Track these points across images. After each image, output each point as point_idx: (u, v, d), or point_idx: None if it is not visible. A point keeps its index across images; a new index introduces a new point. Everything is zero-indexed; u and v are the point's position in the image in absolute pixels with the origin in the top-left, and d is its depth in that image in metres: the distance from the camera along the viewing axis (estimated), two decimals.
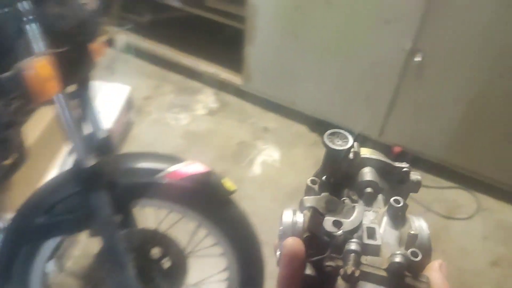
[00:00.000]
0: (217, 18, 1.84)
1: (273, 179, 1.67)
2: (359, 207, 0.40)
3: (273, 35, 1.70)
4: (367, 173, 0.44)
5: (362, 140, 0.51)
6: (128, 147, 1.70)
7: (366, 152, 0.45)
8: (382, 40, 1.48)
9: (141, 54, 2.09)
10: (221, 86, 2.00)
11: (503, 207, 1.63)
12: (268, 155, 1.76)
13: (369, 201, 0.42)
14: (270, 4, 1.62)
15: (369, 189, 0.43)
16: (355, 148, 0.43)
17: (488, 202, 1.64)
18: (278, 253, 0.38)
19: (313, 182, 0.44)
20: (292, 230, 0.39)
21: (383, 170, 0.45)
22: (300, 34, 1.63)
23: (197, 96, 2.00)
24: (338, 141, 0.42)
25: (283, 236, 0.39)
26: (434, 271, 0.37)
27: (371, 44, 1.51)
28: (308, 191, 0.44)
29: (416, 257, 0.35)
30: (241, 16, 1.71)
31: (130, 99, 1.74)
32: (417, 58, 1.43)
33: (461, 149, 1.59)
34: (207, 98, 1.99)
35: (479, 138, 1.54)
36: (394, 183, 0.45)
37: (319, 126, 1.85)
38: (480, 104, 1.45)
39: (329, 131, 0.42)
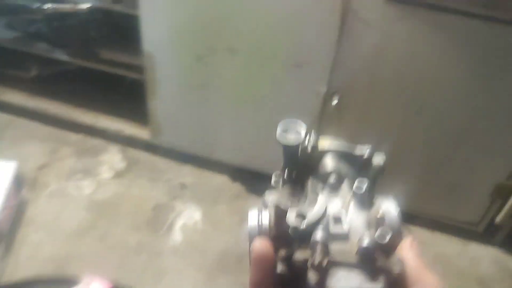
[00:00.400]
0: (113, 70, 1.65)
1: (197, 245, 1.50)
2: (322, 196, 0.39)
3: (178, 86, 1.55)
4: (328, 164, 0.43)
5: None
6: (25, 232, 1.45)
7: (324, 143, 0.45)
8: (295, 84, 1.38)
9: (30, 114, 1.83)
10: (127, 142, 1.79)
11: (439, 239, 1.59)
12: (188, 216, 1.59)
13: (335, 188, 0.42)
14: (168, 55, 1.46)
15: (332, 178, 0.42)
16: (312, 141, 0.43)
17: (424, 235, 1.59)
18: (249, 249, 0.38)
19: (276, 176, 0.43)
20: (259, 231, 0.38)
21: (345, 157, 0.45)
22: (208, 84, 1.49)
23: (101, 157, 1.78)
24: (291, 134, 0.41)
25: (251, 238, 0.38)
26: (406, 250, 0.36)
27: (284, 90, 1.41)
28: (273, 185, 0.43)
29: (384, 239, 0.35)
30: (141, 67, 1.54)
31: (19, 175, 1.49)
32: (334, 101, 1.35)
33: (389, 186, 1.53)
34: (113, 158, 1.77)
35: (404, 173, 1.49)
36: (359, 167, 0.45)
37: (241, 174, 1.71)
38: (400, 140, 1.40)
39: (282, 123, 0.41)
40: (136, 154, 1.79)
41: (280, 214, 0.38)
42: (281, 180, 0.44)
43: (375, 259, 0.35)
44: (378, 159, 0.44)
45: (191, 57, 1.43)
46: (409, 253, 0.37)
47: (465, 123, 1.33)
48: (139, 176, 1.71)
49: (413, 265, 0.36)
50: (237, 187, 1.70)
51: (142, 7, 1.37)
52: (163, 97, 1.58)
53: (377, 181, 0.45)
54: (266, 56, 1.36)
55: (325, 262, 0.33)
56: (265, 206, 0.40)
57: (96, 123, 1.80)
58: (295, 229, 0.36)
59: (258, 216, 0.39)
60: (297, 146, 0.42)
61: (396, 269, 0.34)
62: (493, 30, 1.14)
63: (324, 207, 0.38)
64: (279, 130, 0.42)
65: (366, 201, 0.40)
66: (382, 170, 0.44)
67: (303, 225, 0.36)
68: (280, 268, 0.36)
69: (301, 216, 0.37)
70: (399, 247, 0.37)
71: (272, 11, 1.27)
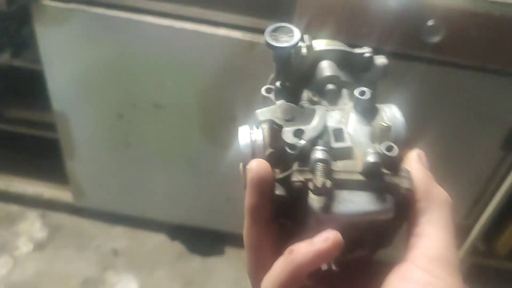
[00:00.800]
0: (22, 129, 1.44)
1: None
2: (320, 109, 0.37)
3: (98, 145, 1.36)
4: (326, 68, 0.40)
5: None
6: None
7: (320, 44, 0.41)
8: (232, 137, 1.24)
9: None
10: (47, 206, 1.58)
11: None
12: None
13: (333, 99, 0.39)
14: (83, 113, 1.28)
15: (330, 86, 0.39)
16: (307, 42, 0.40)
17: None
18: (241, 170, 0.36)
19: (267, 90, 0.41)
20: (252, 150, 0.36)
21: (343, 60, 0.41)
22: (132, 142, 1.32)
23: (18, 226, 1.55)
24: (283, 37, 0.38)
25: (244, 157, 0.36)
26: (413, 162, 0.35)
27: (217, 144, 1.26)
28: (264, 101, 0.40)
29: (391, 151, 0.32)
30: (54, 125, 1.35)
31: None
32: None
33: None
34: (32, 226, 1.55)
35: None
36: (358, 72, 0.41)
37: (180, 232, 1.55)
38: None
39: (270, 27, 0.38)
40: (59, 219, 1.58)
41: (275, 130, 0.35)
42: (272, 92, 0.40)
43: (382, 174, 0.32)
44: (381, 59, 0.41)
45: (110, 115, 1.26)
46: (416, 165, 0.34)
47: None
48: (64, 245, 1.51)
49: (421, 178, 0.33)
50: (177, 247, 1.53)
51: (45, 61, 1.18)
52: (83, 156, 1.39)
53: (378, 86, 0.41)
54: (193, 111, 1.21)
55: (328, 184, 0.30)
56: (257, 123, 0.37)
57: (9, 188, 1.57)
58: (293, 146, 0.33)
59: (250, 133, 0.36)
60: (288, 48, 0.37)
61: (404, 185, 0.32)
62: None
63: (324, 120, 0.35)
64: (267, 32, 0.38)
65: (368, 110, 0.37)
66: (385, 71, 0.41)
67: (302, 141, 0.33)
68: (278, 190, 0.33)
69: (299, 131, 0.34)
70: (405, 159, 0.35)
71: (200, 65, 1.12)
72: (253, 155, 0.35)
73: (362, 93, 0.36)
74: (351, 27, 0.99)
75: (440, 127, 1.09)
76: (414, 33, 0.97)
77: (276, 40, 0.38)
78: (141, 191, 1.45)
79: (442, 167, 1.26)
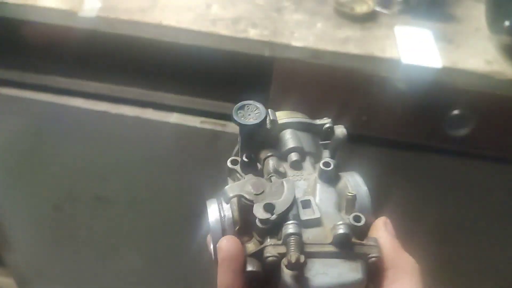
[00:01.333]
0: None
1: None
2: (288, 182, 0.37)
3: (38, 237, 1.17)
4: (289, 139, 0.42)
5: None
6: None
7: (283, 116, 0.43)
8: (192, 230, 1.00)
9: None
10: None
11: None
12: None
13: (297, 168, 0.40)
14: (15, 204, 1.09)
15: (294, 156, 0.41)
16: (271, 116, 0.41)
17: None
18: (211, 248, 0.37)
19: (233, 162, 0.42)
20: (222, 226, 0.37)
21: (305, 130, 0.43)
22: (78, 235, 1.12)
23: None
24: (249, 115, 0.39)
25: (214, 234, 0.36)
26: (380, 230, 0.36)
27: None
28: (231, 173, 0.42)
29: (360, 222, 0.34)
30: None
31: None
32: None
33: None
34: None
35: None
36: (319, 141, 0.44)
37: None
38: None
39: (237, 105, 0.40)
40: None
41: (245, 205, 0.36)
42: (238, 164, 0.42)
43: (352, 244, 0.33)
44: (341, 129, 0.43)
45: (45, 207, 1.05)
46: (383, 233, 0.35)
47: None
48: None
49: (389, 246, 0.34)
50: None
51: None
52: (22, 248, 1.18)
53: (337, 154, 0.44)
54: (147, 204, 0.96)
55: (301, 259, 0.31)
56: (227, 198, 0.37)
57: None
58: (265, 221, 0.34)
59: (219, 209, 0.37)
60: (257, 125, 0.39)
61: (373, 253, 0.33)
62: None
63: (293, 193, 0.36)
64: (235, 110, 0.39)
65: (332, 179, 0.39)
66: (344, 140, 0.43)
67: (273, 216, 0.34)
68: (250, 266, 0.34)
69: (270, 206, 0.35)
70: (372, 227, 0.36)
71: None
72: (223, 231, 0.36)
73: (327, 164, 0.38)
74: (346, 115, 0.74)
75: (455, 220, 0.89)
76: (434, 125, 0.72)
77: (243, 117, 0.39)
78: (93, 281, 1.23)
79: (463, 260, 0.99)
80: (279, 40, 0.72)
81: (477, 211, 0.87)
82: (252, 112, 0.40)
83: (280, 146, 0.42)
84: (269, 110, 0.41)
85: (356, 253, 0.33)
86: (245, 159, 0.41)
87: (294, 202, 0.35)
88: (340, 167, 0.40)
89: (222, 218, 0.37)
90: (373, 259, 0.33)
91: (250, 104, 0.40)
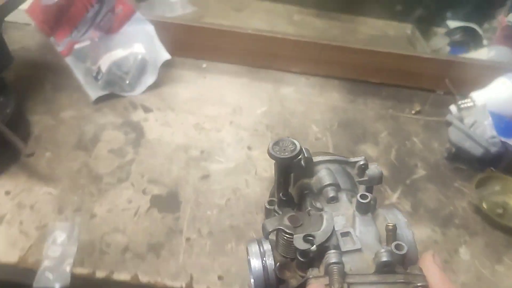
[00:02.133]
0: None
1: None
2: (326, 213, 0.38)
3: None
4: (325, 176, 0.43)
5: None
6: None
7: (318, 156, 0.45)
8: None
9: None
10: None
11: None
12: None
13: (335, 205, 0.41)
14: None
15: (331, 192, 0.42)
16: (305, 153, 0.42)
17: None
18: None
19: (270, 203, 0.44)
20: (262, 262, 0.37)
21: (340, 169, 0.45)
22: None
23: None
24: (284, 150, 0.41)
25: (254, 272, 0.37)
26: (428, 261, 0.36)
27: None
28: (268, 214, 0.44)
29: (402, 250, 0.34)
30: None
31: None
32: None
33: None
34: None
35: None
36: (354, 179, 0.45)
37: None
38: None
39: (272, 142, 0.41)
40: None
41: (285, 239, 0.37)
42: (275, 204, 0.43)
43: (395, 272, 0.34)
44: (374, 167, 0.44)
45: None
46: (432, 264, 0.36)
47: None
48: None
49: (438, 278, 0.34)
50: None
51: None
52: None
53: (372, 190, 0.45)
54: None
55: (345, 287, 0.32)
56: (265, 233, 0.38)
57: None
58: (306, 252, 0.35)
59: (259, 248, 0.38)
60: (290, 158, 0.40)
61: (419, 282, 0.33)
62: None
63: (332, 224, 0.37)
64: (270, 146, 0.41)
65: (370, 213, 0.39)
66: (379, 178, 0.44)
67: (314, 247, 0.35)
68: None
69: (309, 237, 0.36)
70: (421, 260, 0.36)
71: None
72: (264, 269, 0.37)
73: (364, 197, 0.39)
74: None
75: None
76: None
77: (279, 151, 0.40)
78: None
79: None
80: None
81: None
82: (287, 147, 0.41)
83: (316, 184, 0.43)
84: (303, 148, 0.42)
85: (401, 282, 0.32)
86: (283, 197, 0.43)
87: (333, 233, 0.36)
88: (377, 203, 0.41)
89: (262, 254, 0.37)
90: (419, 287, 0.32)
91: (285, 140, 0.41)
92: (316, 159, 0.45)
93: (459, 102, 1.00)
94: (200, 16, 1.30)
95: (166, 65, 1.01)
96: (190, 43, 1.08)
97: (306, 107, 1.02)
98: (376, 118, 1.02)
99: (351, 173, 0.46)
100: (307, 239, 0.35)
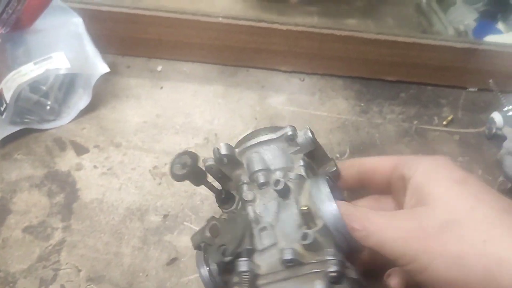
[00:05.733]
0: None
1: None
2: (239, 216, 0.40)
3: None
4: (252, 163, 0.44)
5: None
6: None
7: (245, 140, 0.47)
8: None
9: None
10: None
11: None
12: None
13: (266, 189, 0.42)
14: None
15: (261, 179, 0.43)
16: (225, 151, 0.44)
17: None
18: None
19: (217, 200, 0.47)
20: (207, 269, 0.38)
21: (270, 148, 0.45)
22: None
23: None
24: (184, 164, 0.43)
25: (202, 280, 0.38)
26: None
27: None
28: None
29: (306, 239, 0.36)
30: None
31: None
32: None
33: None
34: None
35: None
36: (287, 154, 0.45)
37: None
38: None
39: (172, 161, 0.43)
40: None
41: (208, 251, 0.39)
42: (217, 201, 0.46)
43: (304, 264, 0.35)
44: (303, 133, 0.45)
45: None
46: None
47: None
48: None
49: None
50: None
51: None
52: None
53: (313, 155, 0.46)
54: None
55: None
56: (194, 247, 0.42)
57: None
58: (223, 263, 0.37)
59: (205, 260, 0.38)
60: (188, 173, 0.42)
61: (331, 268, 0.34)
62: None
63: (241, 228, 0.38)
64: (171, 166, 0.42)
65: (290, 193, 0.41)
66: (311, 143, 0.44)
67: (227, 258, 0.37)
68: None
69: (223, 249, 0.37)
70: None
71: None
72: (211, 277, 0.38)
73: (276, 183, 0.40)
74: None
75: None
76: None
77: (178, 169, 0.43)
78: None
79: None
80: None
81: None
82: (186, 162, 0.42)
83: (246, 172, 0.44)
84: (222, 144, 0.44)
85: (312, 272, 0.35)
86: (222, 196, 0.45)
87: (246, 235, 0.38)
88: (314, 167, 0.46)
89: (207, 262, 0.38)
90: (332, 274, 0.34)
91: (182, 155, 0.43)
92: (240, 147, 0.46)
93: (505, 108, 0.75)
94: None
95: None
96: (139, 37, 0.77)
97: (305, 123, 0.74)
98: (398, 135, 0.76)
99: (284, 148, 0.45)
100: (222, 250, 0.37)
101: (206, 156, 0.65)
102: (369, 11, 1.05)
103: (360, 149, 0.72)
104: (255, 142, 0.45)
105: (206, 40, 0.77)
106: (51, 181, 0.62)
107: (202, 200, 0.62)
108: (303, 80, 0.82)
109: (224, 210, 0.45)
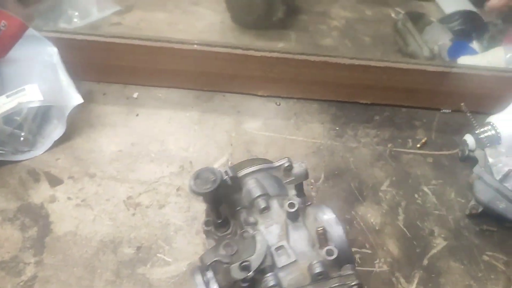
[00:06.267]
0: None
1: None
2: (258, 234, 0.41)
3: None
4: (253, 188, 0.46)
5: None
6: None
7: (243, 166, 0.48)
8: None
9: None
10: None
11: None
12: None
13: (267, 214, 0.44)
14: None
15: (262, 204, 0.44)
16: (230, 173, 0.45)
17: None
18: None
19: (207, 224, 0.47)
20: None
21: (267, 175, 0.48)
22: None
23: None
24: (206, 182, 0.42)
25: None
26: None
27: None
28: (207, 234, 0.47)
29: (332, 255, 0.38)
30: None
31: None
32: None
33: None
34: None
35: None
36: (282, 181, 0.49)
37: None
38: None
39: (192, 175, 0.43)
40: None
41: (223, 269, 0.39)
42: (211, 225, 0.46)
43: (329, 277, 0.38)
44: (298, 165, 0.48)
45: None
46: None
47: None
48: None
49: None
50: None
51: None
52: None
53: (302, 187, 0.50)
54: None
55: None
56: (204, 266, 0.41)
57: None
58: (244, 280, 0.38)
59: (203, 278, 0.40)
60: (215, 190, 0.42)
61: (352, 281, 0.37)
62: None
63: (265, 245, 0.40)
64: (191, 181, 0.42)
65: (301, 216, 0.43)
66: (305, 175, 0.48)
67: (251, 273, 0.38)
68: None
69: (245, 264, 0.38)
70: None
71: None
72: None
73: (292, 205, 0.42)
74: None
75: None
76: None
77: (201, 185, 0.42)
78: None
79: None
80: None
81: None
82: (208, 179, 0.42)
83: (246, 197, 0.46)
84: (227, 167, 0.46)
85: (336, 286, 0.37)
86: (217, 220, 0.45)
87: (267, 253, 0.39)
88: (308, 201, 0.48)
89: (206, 284, 0.39)
90: (354, 287, 0.37)
91: (204, 171, 0.43)
92: (241, 172, 0.47)
93: (477, 131, 0.76)
94: (127, 16, 0.98)
95: (82, 97, 0.70)
96: (115, 65, 0.77)
97: (280, 149, 0.75)
98: (372, 159, 0.77)
99: (278, 176, 0.49)
100: (243, 266, 0.38)
101: (180, 185, 0.65)
102: (347, 31, 1.06)
103: (335, 174, 0.73)
104: (254, 169, 0.48)
105: (182, 66, 0.77)
106: (24, 214, 0.62)
107: (176, 231, 0.63)
108: (279, 105, 0.82)
109: (218, 234, 0.46)
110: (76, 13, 0.81)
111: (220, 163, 0.72)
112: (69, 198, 0.64)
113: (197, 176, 0.43)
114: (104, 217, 0.63)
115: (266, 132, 0.78)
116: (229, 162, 0.72)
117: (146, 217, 0.64)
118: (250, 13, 0.97)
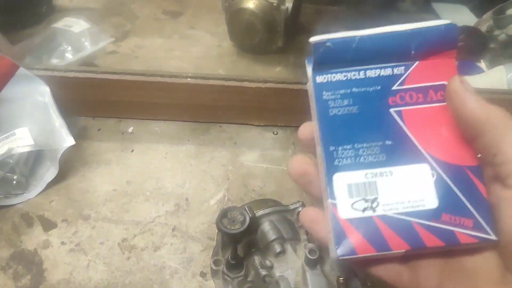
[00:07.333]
0: None
1: None
2: (282, 280, 0.41)
3: None
4: (269, 231, 0.46)
5: None
6: None
7: (256, 207, 0.48)
8: None
9: None
10: None
11: None
12: None
13: (283, 258, 0.44)
14: None
15: (278, 248, 0.44)
16: (250, 214, 0.44)
17: None
18: None
19: (216, 263, 0.46)
20: None
21: (281, 218, 0.47)
22: None
23: None
24: (234, 221, 0.42)
25: None
26: (462, 94, 0.28)
27: None
28: (215, 274, 0.46)
29: None
30: None
31: None
32: None
33: None
34: None
35: None
36: (294, 226, 0.48)
37: None
38: None
39: (220, 213, 0.43)
40: None
41: None
42: (222, 265, 0.46)
43: None
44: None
45: None
46: (466, 94, 0.27)
47: None
48: None
49: (478, 107, 0.27)
50: None
51: None
52: None
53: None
54: None
55: None
56: None
57: None
58: None
59: None
60: (243, 232, 0.41)
61: None
62: None
63: None
64: (218, 220, 0.42)
65: (319, 262, 0.43)
66: None
67: None
68: None
69: None
70: (448, 92, 0.28)
71: None
72: None
73: (313, 253, 0.42)
74: None
75: None
76: None
77: (229, 225, 0.42)
78: None
79: None
80: None
81: None
82: (236, 218, 0.42)
83: (262, 240, 0.46)
84: (245, 207, 0.45)
85: None
86: (231, 261, 0.45)
87: None
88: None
89: None
90: None
91: (234, 209, 0.43)
92: (257, 213, 0.47)
93: None
94: (123, 43, 0.97)
95: (75, 133, 0.69)
96: (108, 100, 0.76)
97: (278, 182, 0.74)
98: None
99: (291, 220, 0.48)
100: None
101: (175, 225, 0.64)
102: None
103: None
104: (269, 211, 0.48)
105: (177, 100, 0.76)
106: (17, 262, 0.61)
107: (172, 274, 0.61)
108: (276, 134, 0.81)
109: (231, 275, 0.45)
110: (69, 48, 0.81)
111: (216, 199, 0.70)
112: (62, 243, 0.63)
113: (224, 215, 0.42)
114: (98, 262, 0.62)
115: (263, 164, 0.76)
116: (226, 198, 0.70)
117: (141, 260, 0.62)
118: (250, 38, 0.96)
